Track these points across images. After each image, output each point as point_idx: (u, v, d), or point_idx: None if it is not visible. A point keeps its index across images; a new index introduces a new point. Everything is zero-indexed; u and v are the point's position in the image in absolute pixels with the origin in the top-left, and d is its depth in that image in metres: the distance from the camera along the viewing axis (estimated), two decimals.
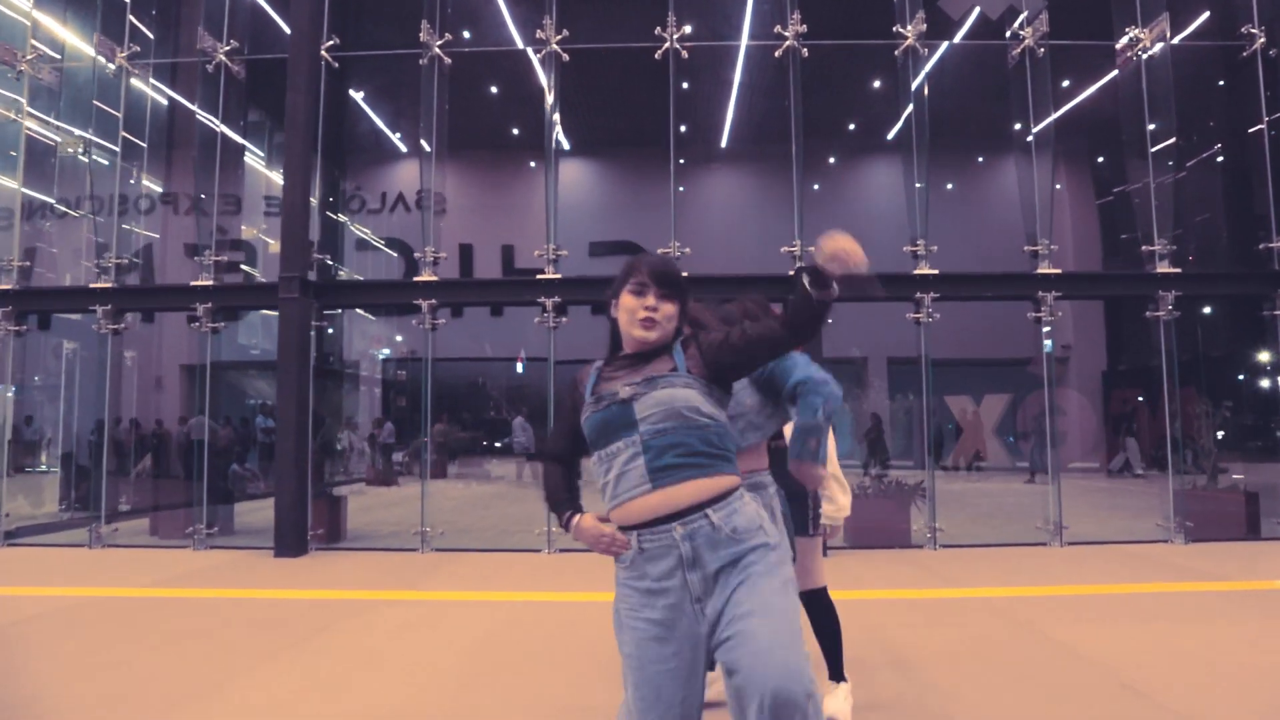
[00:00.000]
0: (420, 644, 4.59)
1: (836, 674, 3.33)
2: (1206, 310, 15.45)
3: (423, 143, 8.86)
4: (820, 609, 3.35)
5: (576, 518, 2.06)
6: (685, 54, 8.53)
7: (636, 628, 1.93)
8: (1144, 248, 8.43)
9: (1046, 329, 8.30)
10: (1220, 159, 12.21)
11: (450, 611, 5.57)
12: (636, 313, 2.02)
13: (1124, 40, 8.81)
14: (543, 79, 8.82)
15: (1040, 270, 8.20)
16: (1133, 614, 5.15)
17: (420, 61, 8.65)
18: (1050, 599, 5.67)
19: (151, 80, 9.55)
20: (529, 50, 9.10)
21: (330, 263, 9.19)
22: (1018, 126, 9.03)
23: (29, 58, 9.08)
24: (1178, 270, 8.23)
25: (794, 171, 8.36)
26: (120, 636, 4.82)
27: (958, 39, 9.66)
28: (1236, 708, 3.46)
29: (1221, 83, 10.08)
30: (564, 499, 2.14)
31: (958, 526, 8.78)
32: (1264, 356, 8.62)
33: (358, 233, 17.96)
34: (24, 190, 9.36)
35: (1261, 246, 8.50)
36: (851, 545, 7.93)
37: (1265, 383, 12.70)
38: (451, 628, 5.02)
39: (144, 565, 7.33)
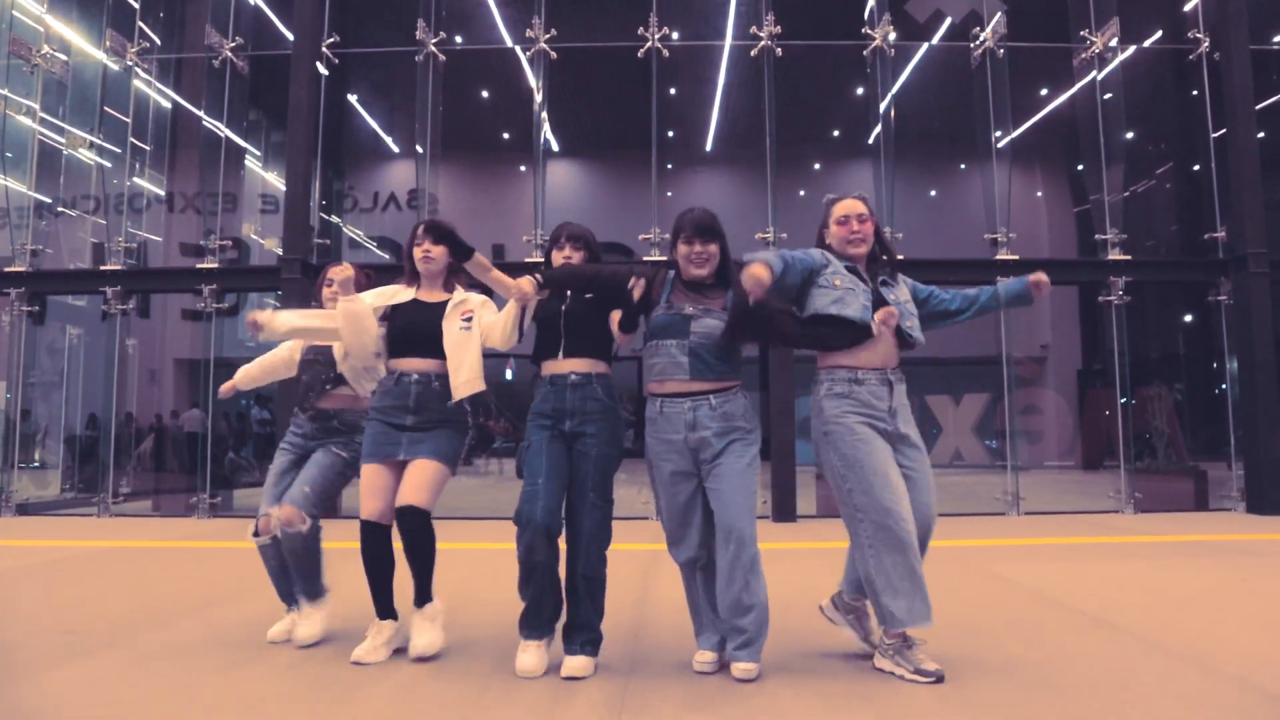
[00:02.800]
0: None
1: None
2: (1189, 318, 16.14)
3: (416, 145, 9.29)
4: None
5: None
6: (666, 53, 9.04)
7: (661, 468, 2.93)
8: (1096, 236, 8.99)
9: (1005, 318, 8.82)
10: (1175, 158, 12.87)
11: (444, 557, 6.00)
12: (689, 256, 2.89)
13: (1082, 49, 9.37)
14: (531, 78, 9.31)
15: (999, 256, 8.74)
16: (1064, 557, 5.66)
17: (416, 58, 9.13)
18: (998, 548, 6.18)
19: (155, 79, 10.00)
20: (519, 49, 9.58)
21: (326, 244, 9.55)
22: (981, 125, 9.56)
23: (42, 52, 9.53)
24: (1128, 257, 8.79)
25: (768, 167, 8.87)
26: (142, 567, 5.24)
27: (924, 41, 10.22)
28: (1131, 610, 3.97)
29: (1174, 86, 10.69)
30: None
31: None
32: (1218, 346, 9.14)
33: (349, 233, 18.41)
34: (34, 189, 9.76)
35: (1206, 236, 9.07)
36: (824, 515, 8.41)
37: (1220, 369, 13.28)
38: (448, 565, 5.44)
39: (153, 528, 7.74)
